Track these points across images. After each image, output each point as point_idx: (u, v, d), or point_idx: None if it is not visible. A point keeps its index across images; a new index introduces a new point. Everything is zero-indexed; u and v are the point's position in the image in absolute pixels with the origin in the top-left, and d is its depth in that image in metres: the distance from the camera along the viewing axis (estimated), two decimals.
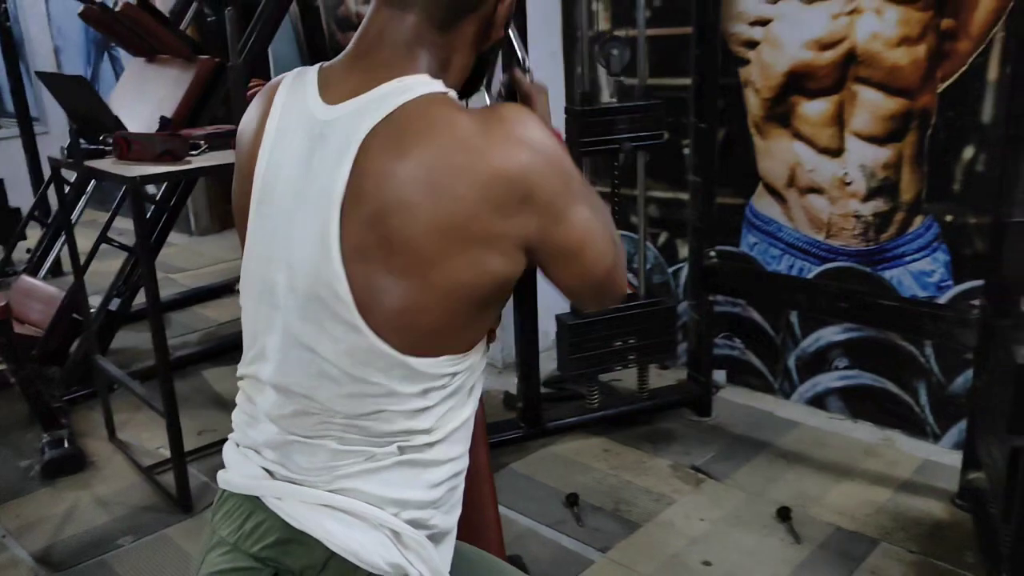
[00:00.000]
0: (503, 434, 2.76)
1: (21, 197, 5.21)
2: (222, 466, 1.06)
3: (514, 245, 0.90)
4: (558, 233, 0.92)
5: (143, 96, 3.72)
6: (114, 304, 3.38)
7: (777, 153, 2.90)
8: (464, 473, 1.04)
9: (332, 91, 0.94)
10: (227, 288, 4.61)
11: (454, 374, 0.95)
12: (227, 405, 3.19)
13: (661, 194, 3.19)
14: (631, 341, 2.78)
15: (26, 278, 3.74)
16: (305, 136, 0.93)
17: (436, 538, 1.00)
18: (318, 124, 0.92)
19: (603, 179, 2.87)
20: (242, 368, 1.05)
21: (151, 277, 2.36)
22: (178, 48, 3.60)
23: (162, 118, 3.44)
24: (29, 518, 2.57)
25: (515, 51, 1.80)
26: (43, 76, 3.56)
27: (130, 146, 2.51)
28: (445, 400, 0.95)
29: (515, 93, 1.17)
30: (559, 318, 2.76)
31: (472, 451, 1.09)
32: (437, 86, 0.92)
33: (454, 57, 0.97)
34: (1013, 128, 2.12)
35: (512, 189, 0.86)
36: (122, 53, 5.80)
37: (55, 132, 6.31)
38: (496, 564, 1.19)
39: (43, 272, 3.92)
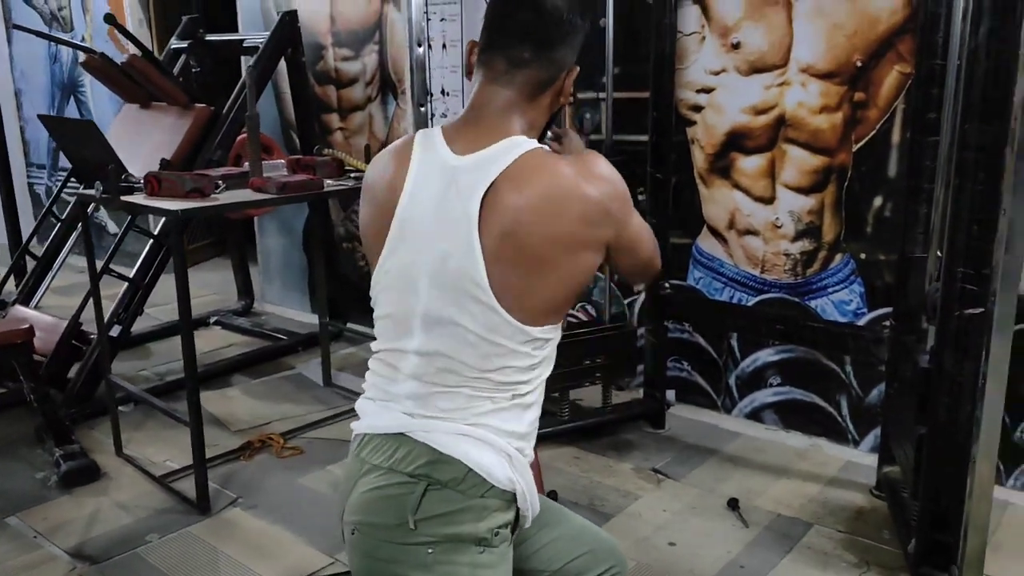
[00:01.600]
0: None
1: None
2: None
3: (599, 245, 1.33)
4: (624, 235, 1.36)
5: (139, 140, 4.01)
6: (115, 331, 3.62)
7: (719, 200, 3.38)
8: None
9: (457, 145, 1.33)
10: (201, 322, 4.85)
11: (548, 340, 1.35)
12: (220, 424, 3.49)
13: None
14: (598, 360, 3.18)
15: (20, 308, 3.95)
16: (440, 177, 1.31)
17: (529, 464, 1.39)
18: (450, 169, 1.31)
19: None
20: (381, 344, 1.41)
21: (185, 300, 2.65)
22: (177, 97, 3.92)
23: (163, 160, 3.74)
24: (56, 520, 2.79)
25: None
26: (47, 120, 3.82)
27: (160, 184, 2.82)
28: (542, 360, 1.36)
29: (560, 136, 1.63)
30: None
31: None
32: (534, 143, 1.32)
33: (537, 119, 1.39)
34: (913, 181, 2.62)
35: (597, 210, 1.29)
36: (90, 96, 6.05)
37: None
38: (546, 500, 1.57)
39: (35, 302, 4.12)
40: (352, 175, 3.27)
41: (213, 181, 2.89)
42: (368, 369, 1.45)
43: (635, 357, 3.47)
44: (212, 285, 5.69)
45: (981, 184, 2.05)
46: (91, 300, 3.10)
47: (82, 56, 3.91)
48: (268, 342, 4.50)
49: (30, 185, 6.89)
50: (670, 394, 3.58)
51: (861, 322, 3.10)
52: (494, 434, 1.32)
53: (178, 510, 2.85)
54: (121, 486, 3.03)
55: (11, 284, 4.45)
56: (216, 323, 4.86)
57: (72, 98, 6.27)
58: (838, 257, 3.13)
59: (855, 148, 3.02)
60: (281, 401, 3.78)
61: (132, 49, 4.03)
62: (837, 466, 3.09)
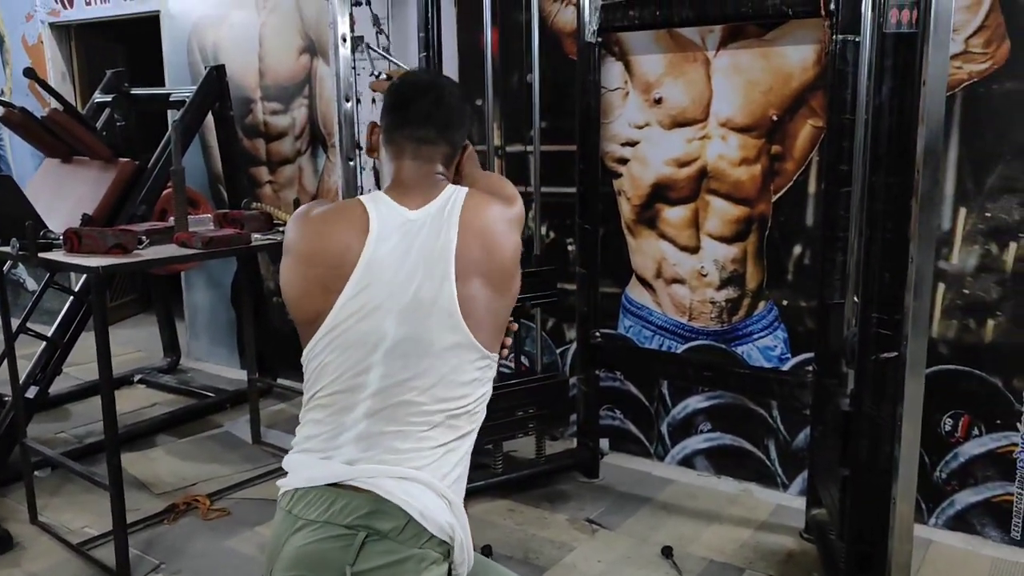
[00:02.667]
0: None
1: None
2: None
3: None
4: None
5: (60, 195, 3.91)
6: (31, 392, 3.48)
7: (646, 250, 3.45)
8: None
9: (408, 204, 1.48)
10: (124, 380, 4.71)
11: (494, 367, 1.46)
12: (142, 487, 3.37)
13: None
14: (531, 411, 3.19)
15: None
16: (400, 230, 1.44)
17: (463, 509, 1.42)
18: (411, 222, 1.45)
19: None
20: (325, 394, 1.40)
21: (106, 358, 2.57)
22: (100, 151, 3.84)
23: (84, 215, 3.66)
24: None
25: None
26: None
27: (80, 240, 2.75)
28: (486, 393, 1.46)
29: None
30: None
31: None
32: (465, 188, 1.52)
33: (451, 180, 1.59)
34: (828, 230, 2.72)
35: (522, 220, 1.54)
36: (8, 150, 5.90)
37: None
38: (478, 557, 1.56)
39: None
40: (281, 229, 3.25)
41: (136, 236, 2.84)
42: (301, 423, 1.44)
43: (568, 406, 3.48)
44: (136, 342, 5.54)
45: (890, 233, 2.14)
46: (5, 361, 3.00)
47: (0, 110, 3.82)
48: (195, 399, 4.39)
49: None
50: (604, 443, 3.59)
51: (785, 367, 3.17)
52: (437, 479, 1.36)
53: None
54: (35, 556, 2.89)
55: None
56: (140, 381, 4.72)
57: None
58: (762, 304, 3.22)
59: (774, 198, 3.13)
60: (208, 461, 3.67)
61: (54, 103, 3.96)
62: (767, 510, 3.13)
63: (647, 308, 3.49)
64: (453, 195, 1.48)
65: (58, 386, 4.20)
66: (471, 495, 3.22)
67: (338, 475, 1.35)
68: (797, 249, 3.11)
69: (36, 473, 3.40)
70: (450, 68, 3.74)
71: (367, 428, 1.37)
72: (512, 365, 3.48)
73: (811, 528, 2.90)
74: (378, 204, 1.48)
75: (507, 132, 3.73)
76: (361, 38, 3.64)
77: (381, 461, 1.35)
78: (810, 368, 2.94)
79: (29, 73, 3.72)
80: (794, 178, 3.08)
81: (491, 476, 3.22)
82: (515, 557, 2.81)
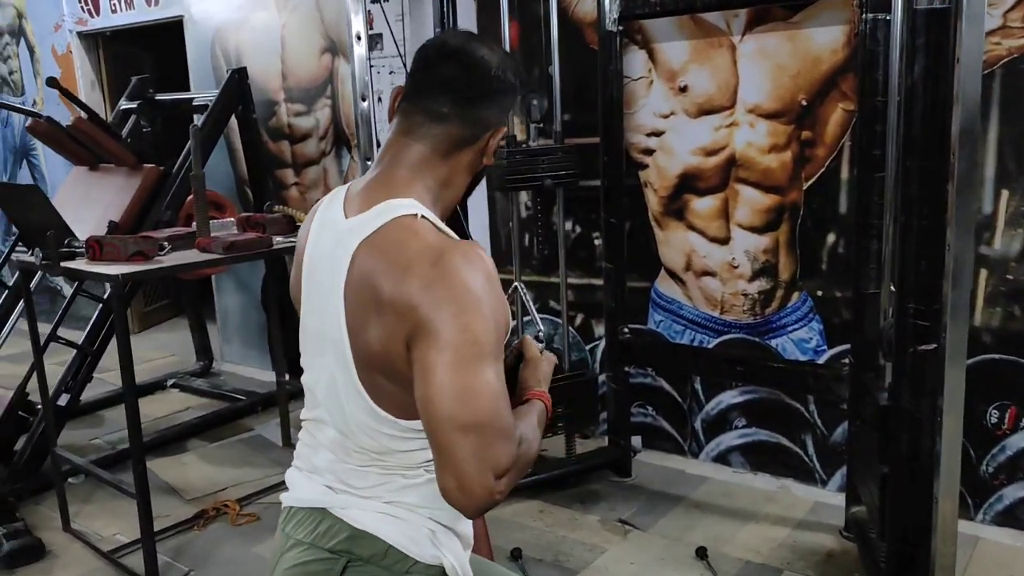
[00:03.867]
0: None
1: None
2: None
3: (400, 318, 1.11)
4: (422, 341, 1.09)
5: (87, 203, 3.94)
6: (63, 399, 3.50)
7: (675, 242, 3.37)
8: None
9: (352, 206, 1.24)
10: (158, 385, 4.74)
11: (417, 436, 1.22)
12: (174, 493, 3.37)
13: (577, 280, 3.60)
14: (559, 410, 3.12)
15: None
16: (332, 238, 1.23)
17: (459, 536, 1.31)
18: (340, 231, 1.22)
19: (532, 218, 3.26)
20: (305, 413, 1.34)
21: (129, 365, 2.57)
22: (125, 158, 3.86)
23: (110, 222, 3.67)
24: None
25: (532, 317, 2.04)
26: None
27: (102, 248, 2.74)
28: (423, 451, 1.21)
29: (522, 354, 1.39)
30: None
31: None
32: (413, 208, 1.18)
33: (454, 177, 1.27)
34: (863, 217, 2.61)
35: (422, 269, 1.10)
36: (43, 160, 5.97)
37: None
38: (493, 566, 1.49)
39: None
40: None
41: (157, 243, 2.82)
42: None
43: (598, 405, 3.41)
44: (171, 346, 5.57)
45: (926, 219, 2.04)
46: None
47: (29, 120, 3.84)
48: (226, 403, 4.39)
49: None
50: (636, 440, 3.52)
51: (821, 360, 3.07)
52: (412, 512, 1.24)
53: None
54: (67, 564, 2.90)
55: None
56: (174, 385, 4.74)
57: (25, 162, 6.19)
58: (795, 295, 3.12)
59: (806, 186, 3.02)
60: (238, 465, 3.67)
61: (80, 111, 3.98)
62: (806, 508, 3.04)
63: (677, 302, 3.40)
64: (378, 215, 1.18)
65: (92, 392, 4.25)
66: None
67: (319, 499, 1.28)
68: (831, 238, 3.01)
69: (70, 480, 3.43)
70: None
71: (333, 461, 1.28)
72: None
73: (851, 526, 2.80)
74: (332, 200, 1.30)
75: (529, 125, 3.66)
76: (380, 36, 3.60)
77: (351, 494, 1.26)
78: (846, 361, 2.83)
79: (51, 82, 3.73)
80: (826, 164, 2.97)
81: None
82: (545, 560, 2.76)
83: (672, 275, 3.40)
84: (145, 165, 3.90)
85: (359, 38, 2.70)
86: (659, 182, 3.36)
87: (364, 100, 2.76)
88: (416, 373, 1.09)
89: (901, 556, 2.23)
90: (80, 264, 2.68)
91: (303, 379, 1.34)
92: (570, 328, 3.66)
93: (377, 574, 1.23)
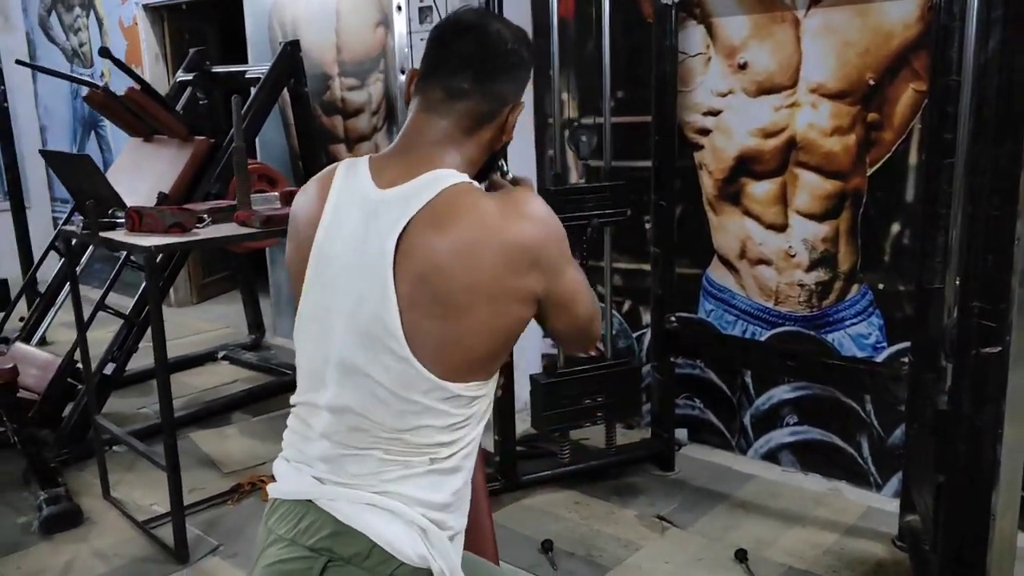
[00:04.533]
0: None
1: (8, 269, 5.37)
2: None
3: (527, 297, 1.18)
4: (557, 288, 1.21)
5: (140, 173, 3.96)
6: (108, 369, 3.54)
7: (729, 228, 3.21)
8: (470, 483, 1.27)
9: (381, 177, 1.20)
10: (208, 356, 4.78)
11: (474, 398, 1.19)
12: (214, 466, 3.37)
13: (625, 265, 3.47)
14: (600, 399, 3.01)
15: (20, 345, 3.90)
16: (360, 211, 1.19)
17: (452, 538, 1.22)
18: (372, 202, 1.18)
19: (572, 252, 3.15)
20: (297, 397, 1.27)
21: (161, 339, 2.55)
22: (176, 129, 3.86)
23: (160, 194, 3.68)
24: (29, 569, 2.69)
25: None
26: (47, 154, 3.80)
27: (141, 219, 2.73)
28: (467, 420, 1.20)
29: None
30: (533, 377, 3.00)
31: (475, 499, 1.33)
32: (462, 177, 1.19)
33: (475, 154, 1.26)
34: (930, 206, 2.43)
35: (525, 256, 1.15)
36: (109, 131, 6.07)
37: (37, 207, 6.51)
38: (494, 568, 1.40)
39: (35, 340, 4.07)
40: None
41: (196, 215, 2.80)
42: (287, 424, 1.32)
43: (641, 395, 3.29)
44: (226, 318, 5.62)
45: (996, 210, 1.86)
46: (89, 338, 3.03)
47: (65, 86, 3.88)
48: (273, 377, 4.40)
49: (55, 220, 6.92)
50: (682, 433, 3.39)
51: (880, 357, 2.89)
52: (405, 504, 1.17)
53: (156, 559, 2.73)
54: (103, 532, 2.92)
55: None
56: (224, 357, 4.77)
57: (93, 133, 6.30)
58: (855, 288, 2.93)
59: (870, 172, 2.83)
60: (278, 440, 3.58)
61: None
62: (857, 513, 2.87)
63: (729, 291, 3.25)
64: (431, 183, 1.16)
65: (146, 361, 4.31)
66: (535, 485, 3.12)
67: (306, 491, 1.20)
68: (895, 227, 2.82)
69: (114, 448, 3.48)
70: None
71: (327, 448, 1.21)
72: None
73: (904, 535, 2.63)
74: (349, 171, 1.25)
75: (582, 104, 3.54)
76: (430, 8, 3.50)
77: (342, 484, 1.19)
78: (906, 360, 2.65)
79: (104, 52, 3.75)
80: (893, 149, 2.78)
81: (557, 466, 3.07)
82: (577, 554, 2.66)
83: (725, 262, 3.25)
84: (196, 137, 3.89)
85: (400, 9, 2.61)
86: (715, 164, 3.20)
87: (403, 73, 2.67)
88: (553, 305, 1.22)
89: (955, 572, 2.07)
90: (117, 234, 2.67)
91: (300, 361, 1.27)
92: (616, 314, 3.54)
93: None
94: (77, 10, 6.19)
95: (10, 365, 2.95)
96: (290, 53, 4.08)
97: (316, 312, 1.23)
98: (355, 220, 1.19)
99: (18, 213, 5.02)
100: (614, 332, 3.56)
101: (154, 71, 5.59)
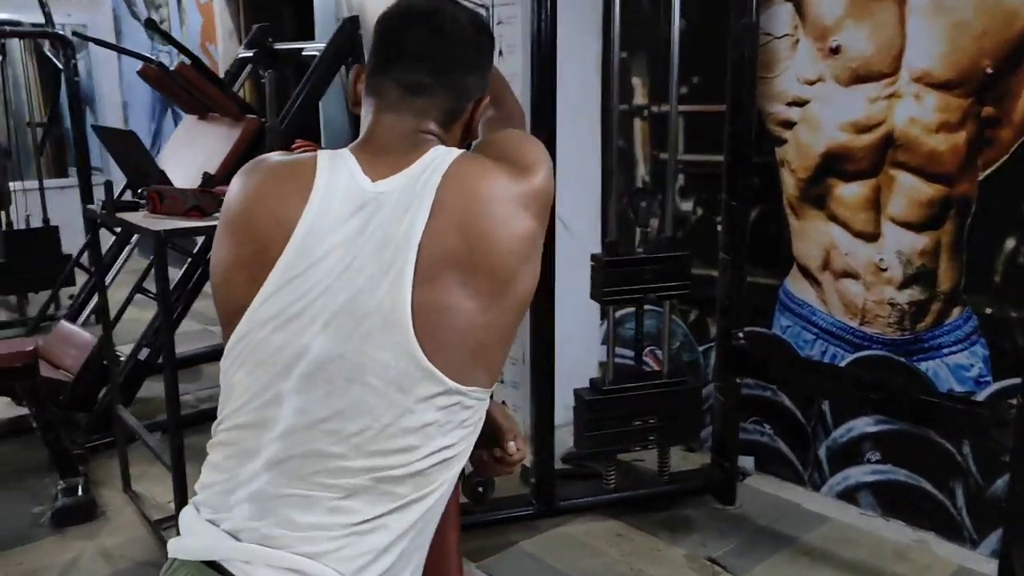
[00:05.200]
0: (513, 510, 2.68)
1: (78, 244, 5.37)
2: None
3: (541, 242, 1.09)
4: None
5: (193, 152, 3.84)
6: (143, 354, 3.41)
7: (812, 234, 2.82)
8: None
9: (371, 172, 1.06)
10: None
11: (470, 408, 1.03)
12: None
13: (693, 270, 3.12)
14: (651, 421, 2.69)
15: (65, 324, 3.82)
16: (353, 205, 1.04)
17: None
18: (368, 195, 1.04)
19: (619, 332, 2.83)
20: (226, 431, 1.04)
21: (169, 330, 2.38)
22: (227, 107, 3.71)
23: (205, 174, 3.51)
24: (31, 566, 2.56)
25: None
26: (97, 129, 3.70)
27: (162, 200, 2.55)
28: (452, 453, 1.03)
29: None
30: (577, 392, 2.70)
31: (441, 530, 1.07)
32: (458, 150, 1.09)
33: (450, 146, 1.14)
34: None
35: (548, 198, 1.10)
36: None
37: (117, 181, 6.54)
38: None
39: (82, 319, 4.00)
40: None
41: (218, 198, 2.60)
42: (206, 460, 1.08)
43: (700, 417, 2.95)
44: None
45: None
46: (127, 320, 2.90)
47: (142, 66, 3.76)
48: None
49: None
50: (747, 462, 3.03)
51: (983, 394, 2.47)
52: (338, 571, 0.96)
53: (160, 563, 2.56)
54: (115, 529, 2.77)
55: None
56: None
57: (169, 111, 6.29)
58: (956, 311, 2.52)
59: (981, 176, 2.41)
60: None
61: (224, 63, 3.88)
62: (946, 571, 2.47)
63: (809, 306, 2.87)
64: (436, 160, 1.06)
65: (198, 344, 4.22)
66: (574, 512, 2.82)
67: (215, 551, 0.97)
68: (1009, 243, 2.39)
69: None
70: (592, 15, 3.25)
71: (265, 485, 0.98)
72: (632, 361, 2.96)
73: None
74: (334, 164, 1.08)
75: (653, 89, 3.20)
76: None
77: (268, 538, 0.96)
78: (1015, 401, 2.23)
79: (149, 24, 3.64)
80: (1011, 150, 2.35)
81: (599, 492, 2.76)
82: None
83: (806, 273, 2.87)
84: (248, 116, 3.73)
85: None
86: (798, 161, 2.82)
87: None
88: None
89: None
90: (132, 216, 2.50)
91: (238, 376, 1.04)
92: (681, 323, 3.21)
93: None
94: None
95: (29, 348, 2.83)
96: (348, 30, 3.86)
97: (282, 317, 1.01)
98: (347, 214, 1.04)
99: (85, 188, 4.98)
100: (676, 345, 3.23)
101: (227, 47, 5.49)
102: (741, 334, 2.76)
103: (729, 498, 2.84)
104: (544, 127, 2.47)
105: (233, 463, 1.01)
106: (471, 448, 1.07)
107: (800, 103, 2.79)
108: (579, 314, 3.17)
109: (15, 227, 4.78)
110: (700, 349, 3.21)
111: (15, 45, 6.02)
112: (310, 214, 1.04)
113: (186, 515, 1.05)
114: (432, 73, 1.11)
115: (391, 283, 0.99)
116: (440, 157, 1.06)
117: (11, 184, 5.06)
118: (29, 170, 5.51)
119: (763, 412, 3.03)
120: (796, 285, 2.90)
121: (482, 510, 2.60)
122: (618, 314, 3.07)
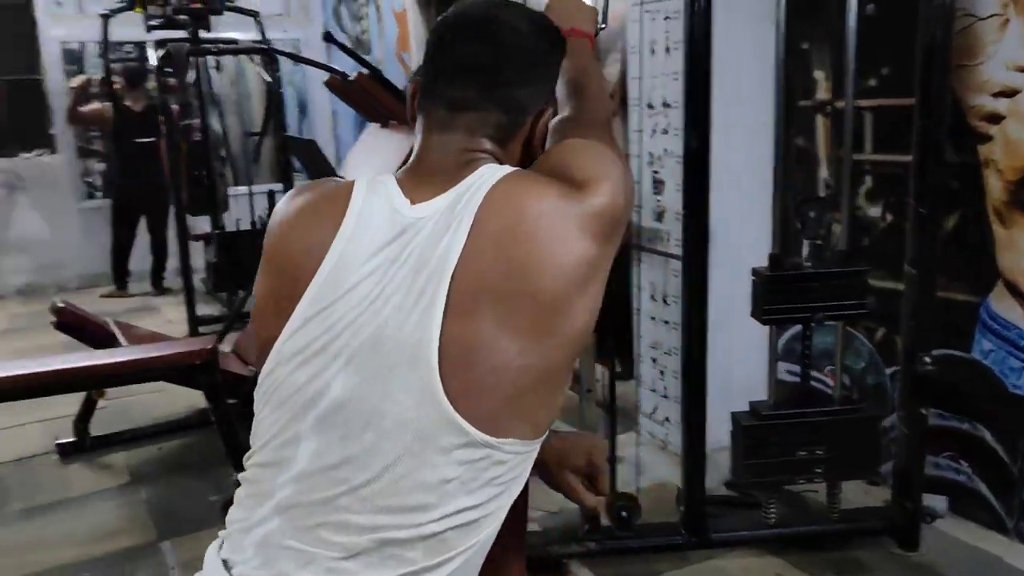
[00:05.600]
0: (660, 538, 2.51)
1: None
2: None
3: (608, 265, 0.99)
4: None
5: (371, 160, 3.97)
6: None
7: (1022, 246, 2.43)
8: None
9: (412, 195, 1.00)
10: None
11: (504, 463, 0.92)
12: None
13: (880, 283, 2.79)
14: (819, 452, 2.43)
15: None
16: (391, 233, 0.98)
17: None
18: (408, 220, 0.98)
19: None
20: (252, 468, 1.02)
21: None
22: (401, 116, 3.79)
23: None
24: (200, 552, 2.71)
25: None
26: (287, 139, 3.91)
27: None
28: (483, 512, 0.92)
29: None
30: (735, 416, 2.48)
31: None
32: (509, 168, 1.01)
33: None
34: None
35: (613, 218, 0.98)
36: None
37: None
38: None
39: None
40: None
41: None
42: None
43: (879, 447, 2.62)
44: None
45: None
46: None
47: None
48: None
49: None
50: (938, 501, 2.66)
51: None
52: None
53: None
54: None
55: None
56: None
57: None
58: None
59: None
60: None
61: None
62: None
63: (1017, 328, 2.47)
64: (482, 178, 0.98)
65: None
66: (729, 545, 2.59)
67: None
68: None
69: None
70: (770, 2, 2.99)
71: (272, 532, 0.94)
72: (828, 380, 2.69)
73: None
74: (372, 188, 1.03)
75: (836, 83, 2.90)
76: None
77: None
78: None
79: (327, 37, 3.78)
80: None
81: (758, 525, 2.53)
82: None
83: (1014, 291, 2.47)
84: None
85: None
86: (1007, 161, 2.44)
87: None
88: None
89: None
90: None
91: (264, 412, 1.00)
92: (867, 342, 2.89)
93: None
94: None
95: (210, 345, 3.01)
96: None
97: (306, 353, 0.97)
98: (381, 241, 0.98)
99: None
100: (861, 366, 2.91)
101: (419, 57, 5.66)
102: (928, 358, 2.43)
103: (912, 543, 2.51)
104: (696, 127, 2.29)
105: (251, 502, 0.98)
106: (506, 510, 0.95)
107: (1009, 93, 2.41)
108: (747, 329, 2.93)
109: (226, 229, 5.17)
110: (888, 372, 2.87)
111: (246, 61, 6.56)
112: (341, 242, 0.99)
113: (211, 549, 1.03)
114: (480, 88, 1.05)
115: (421, 313, 0.92)
116: (487, 175, 0.99)
117: (229, 190, 5.49)
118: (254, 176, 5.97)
119: (960, 447, 2.65)
120: (1001, 303, 2.51)
121: (626, 536, 2.46)
122: (792, 331, 2.81)
